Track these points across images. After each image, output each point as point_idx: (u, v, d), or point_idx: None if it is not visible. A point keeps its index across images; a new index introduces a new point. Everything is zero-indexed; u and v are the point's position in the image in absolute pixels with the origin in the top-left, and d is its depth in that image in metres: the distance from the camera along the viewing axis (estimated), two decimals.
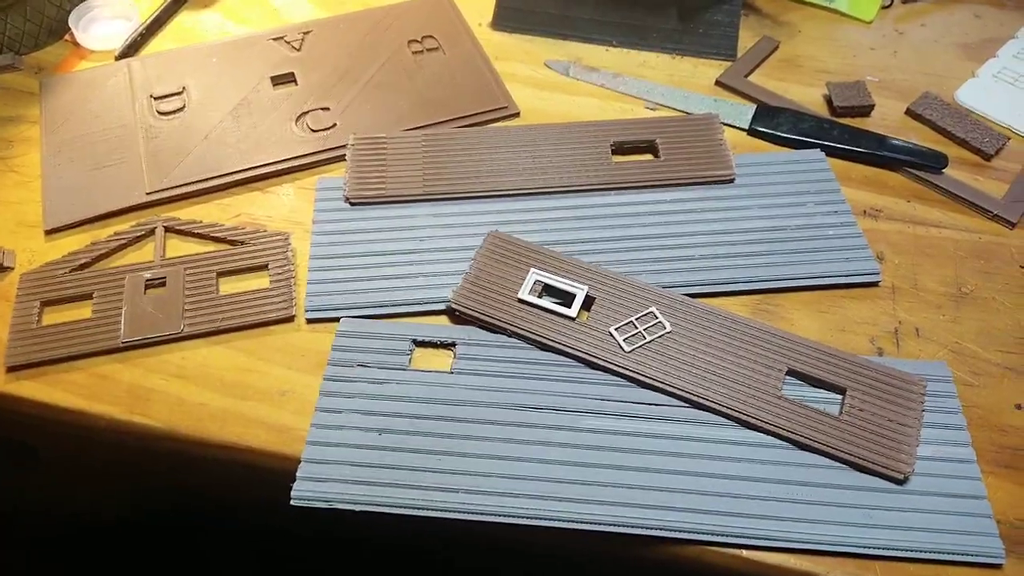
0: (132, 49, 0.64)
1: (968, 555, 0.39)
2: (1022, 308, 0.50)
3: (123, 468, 0.51)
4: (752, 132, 0.59)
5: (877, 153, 0.57)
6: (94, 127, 0.58)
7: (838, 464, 0.42)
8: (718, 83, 0.63)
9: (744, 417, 0.44)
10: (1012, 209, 0.55)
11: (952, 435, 0.44)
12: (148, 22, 0.65)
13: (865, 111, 0.60)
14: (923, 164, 0.56)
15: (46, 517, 0.70)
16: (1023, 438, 0.44)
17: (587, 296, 0.48)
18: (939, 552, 0.40)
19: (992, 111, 0.61)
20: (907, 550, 0.40)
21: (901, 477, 0.42)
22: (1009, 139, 0.59)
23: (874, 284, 0.50)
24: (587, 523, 0.40)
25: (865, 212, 0.55)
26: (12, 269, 0.51)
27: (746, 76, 0.63)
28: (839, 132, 0.58)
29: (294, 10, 0.69)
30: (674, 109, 0.61)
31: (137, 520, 0.66)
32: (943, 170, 0.57)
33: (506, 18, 0.66)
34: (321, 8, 0.69)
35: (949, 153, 0.58)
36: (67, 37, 0.66)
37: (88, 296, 0.49)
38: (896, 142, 0.57)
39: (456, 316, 0.48)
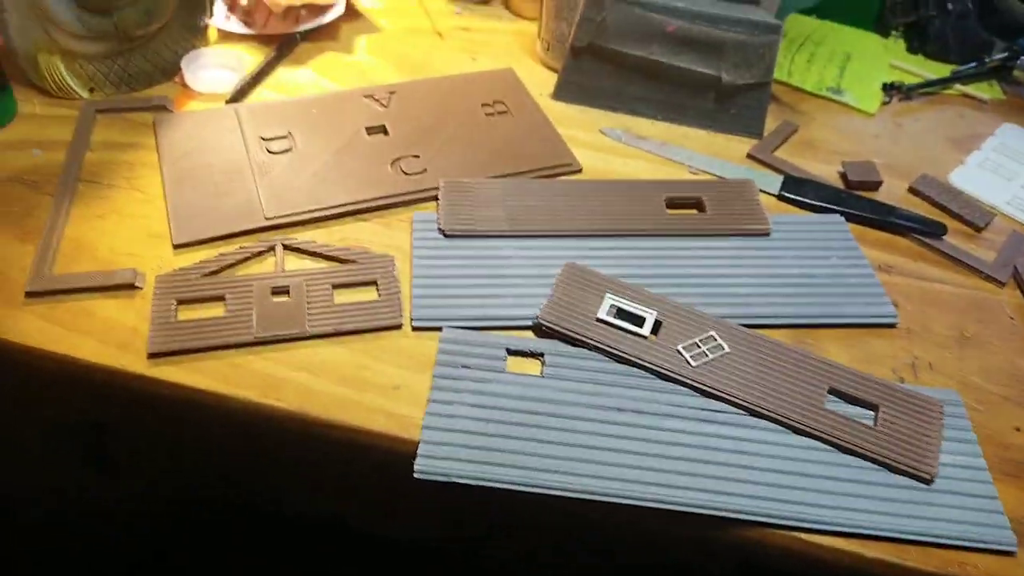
0: (240, 95, 0.72)
1: (987, 543, 0.47)
2: (1016, 352, 0.59)
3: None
4: (781, 197, 0.69)
5: (887, 220, 0.67)
6: (211, 160, 0.66)
7: (875, 466, 0.50)
8: (749, 156, 0.73)
9: (796, 424, 0.51)
10: (1001, 271, 0.65)
11: (966, 448, 0.52)
12: (254, 73, 0.74)
13: (875, 186, 0.71)
14: (926, 231, 0.66)
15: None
16: (1023, 453, 0.53)
17: (656, 320, 0.56)
18: (963, 540, 0.47)
19: (980, 193, 0.72)
20: (937, 536, 0.47)
21: (928, 477, 0.49)
22: (995, 215, 0.70)
23: (892, 326, 0.59)
24: (668, 503, 0.47)
25: (879, 267, 0.64)
26: (141, 289, 0.56)
27: (772, 151, 0.73)
28: (856, 201, 0.68)
29: (378, 71, 0.79)
30: (713, 175, 0.70)
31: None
32: (942, 237, 0.67)
33: (567, 90, 0.76)
34: (401, 72, 0.79)
35: (946, 224, 0.68)
36: (177, 79, 0.74)
37: (220, 298, 0.55)
38: (904, 212, 0.67)
39: (542, 332, 0.56)
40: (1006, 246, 0.67)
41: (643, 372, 0.54)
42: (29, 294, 0.55)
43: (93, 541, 0.81)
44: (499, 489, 0.47)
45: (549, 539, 0.60)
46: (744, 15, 0.70)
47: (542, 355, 0.54)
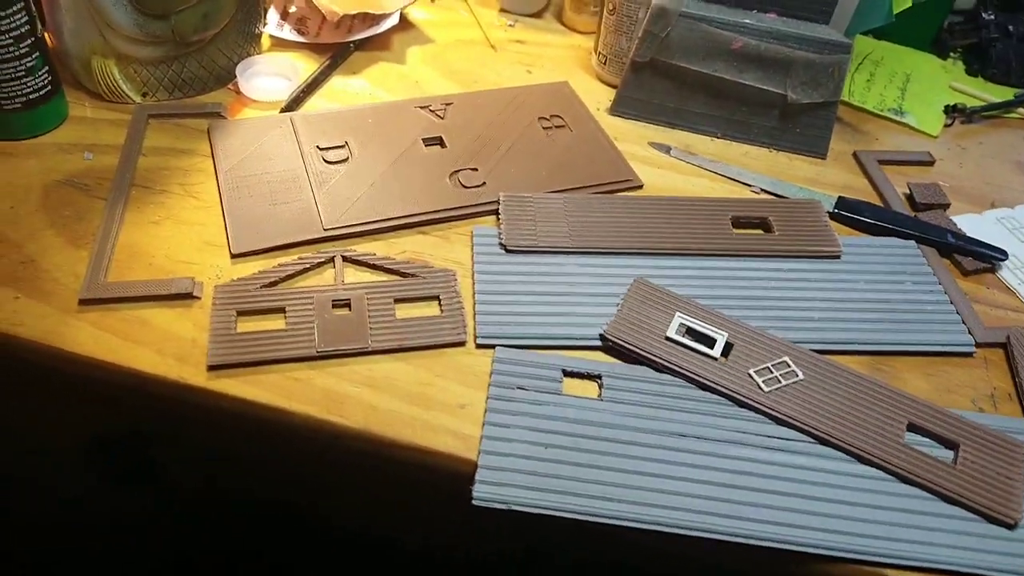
0: (295, 104, 0.71)
1: None
2: None
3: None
4: (835, 216, 0.67)
5: (946, 242, 0.64)
6: (267, 168, 0.64)
7: (953, 507, 0.48)
8: (855, 154, 0.74)
9: (872, 459, 0.49)
10: None
11: None
12: (307, 82, 0.73)
13: (943, 208, 0.69)
14: (987, 255, 0.64)
15: None
16: None
17: (727, 342, 0.54)
18: None
19: None
20: None
21: (1012, 523, 0.47)
22: None
23: (969, 355, 0.57)
24: (737, 536, 0.45)
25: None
26: (199, 299, 0.55)
27: (880, 163, 0.73)
28: (913, 223, 0.66)
29: (432, 83, 0.78)
30: (770, 193, 0.69)
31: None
32: (1004, 262, 0.64)
33: (625, 105, 0.75)
34: (455, 83, 0.78)
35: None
36: (231, 86, 0.73)
37: (280, 310, 0.54)
38: (963, 234, 0.65)
39: (607, 347, 0.54)
40: None
41: (706, 396, 0.52)
42: (83, 301, 0.54)
43: (121, 545, 0.80)
44: (561, 518, 0.45)
45: (606, 564, 0.58)
46: (813, 33, 0.68)
47: (599, 377, 0.53)
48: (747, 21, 0.69)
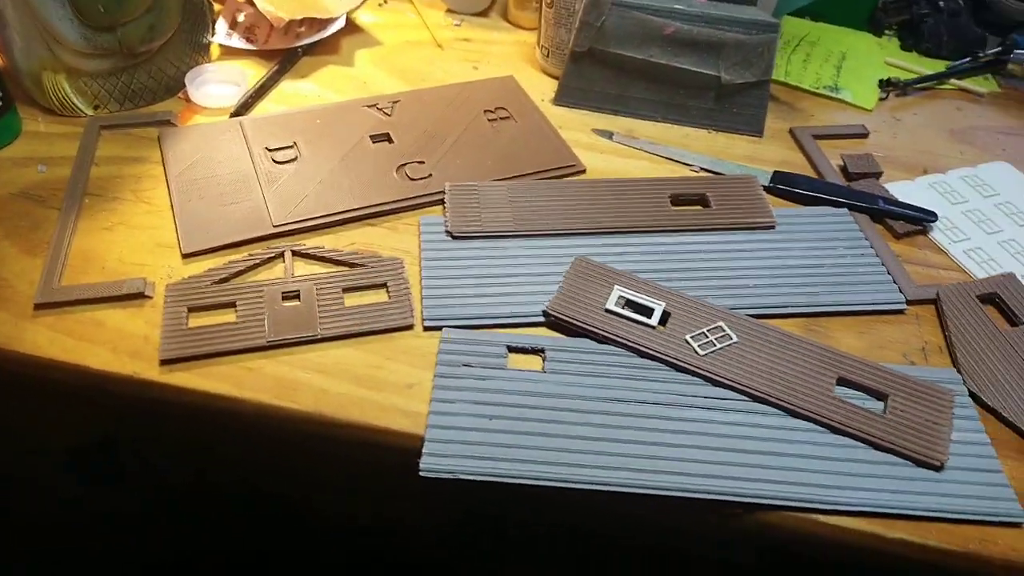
0: (244, 109, 0.73)
1: (1001, 516, 0.47)
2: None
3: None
4: (770, 189, 0.69)
5: (877, 207, 0.67)
6: (217, 171, 0.66)
7: (883, 454, 0.50)
8: (791, 131, 0.77)
9: (803, 412, 0.51)
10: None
11: (970, 424, 0.52)
12: (256, 87, 0.75)
13: (875, 176, 0.71)
14: (918, 218, 0.67)
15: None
16: None
17: (664, 311, 0.56)
18: (979, 514, 0.47)
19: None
20: (954, 512, 0.47)
21: (938, 465, 0.49)
22: None
23: (901, 312, 0.60)
24: (677, 491, 0.48)
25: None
26: (151, 298, 0.57)
27: (815, 137, 0.76)
28: (846, 191, 0.68)
29: (379, 83, 0.79)
30: (708, 171, 0.71)
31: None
32: (934, 223, 0.67)
33: (567, 95, 0.77)
34: (403, 82, 0.80)
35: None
36: (181, 95, 0.75)
37: (231, 304, 0.55)
38: (894, 199, 0.68)
39: (550, 323, 0.56)
40: None
41: (645, 363, 0.54)
42: (38, 306, 0.55)
43: (108, 544, 0.81)
44: (505, 484, 0.47)
45: (560, 529, 0.60)
46: (741, 15, 0.71)
47: (543, 351, 0.55)
48: (678, 6, 0.71)
